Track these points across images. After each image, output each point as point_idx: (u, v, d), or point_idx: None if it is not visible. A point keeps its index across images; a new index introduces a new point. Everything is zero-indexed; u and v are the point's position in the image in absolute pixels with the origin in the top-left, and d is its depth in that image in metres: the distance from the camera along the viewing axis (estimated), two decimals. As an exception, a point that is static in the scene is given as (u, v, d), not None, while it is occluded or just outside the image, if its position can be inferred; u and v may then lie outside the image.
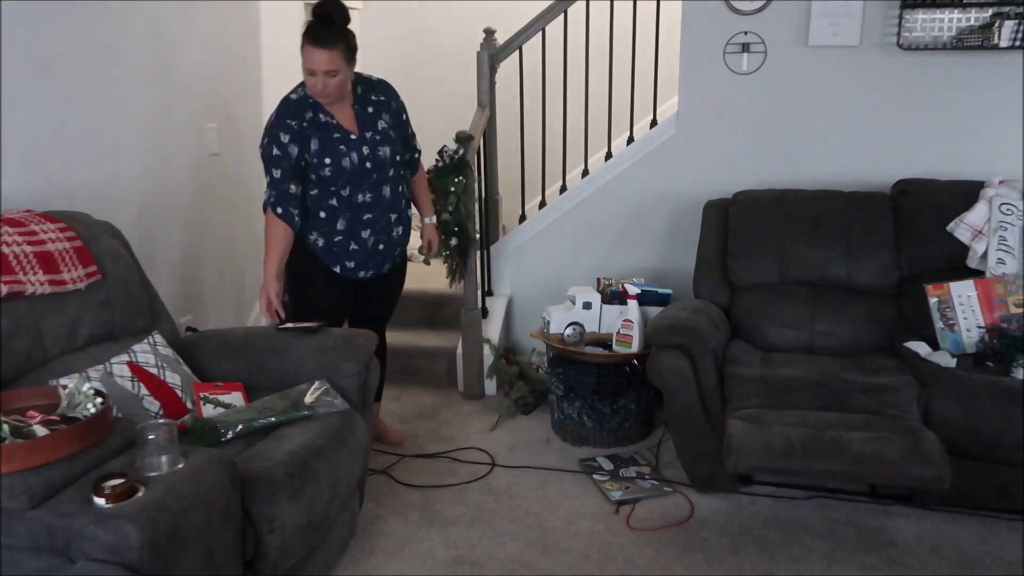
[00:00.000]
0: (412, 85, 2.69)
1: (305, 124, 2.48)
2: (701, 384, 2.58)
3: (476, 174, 3.39)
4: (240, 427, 2.02)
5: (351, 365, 2.31)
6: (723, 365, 2.66)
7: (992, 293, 2.70)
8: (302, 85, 2.51)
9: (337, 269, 2.64)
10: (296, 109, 2.49)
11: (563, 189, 3.81)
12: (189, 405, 2.13)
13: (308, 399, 2.17)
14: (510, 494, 2.70)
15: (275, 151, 2.47)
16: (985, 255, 2.82)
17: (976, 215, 2.86)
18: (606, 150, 3.74)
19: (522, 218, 3.89)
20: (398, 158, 2.65)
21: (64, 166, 2.48)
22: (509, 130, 3.86)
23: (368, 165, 2.55)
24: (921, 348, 2.68)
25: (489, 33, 3.55)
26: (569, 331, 3.06)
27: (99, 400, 1.71)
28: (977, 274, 2.81)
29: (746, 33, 3.32)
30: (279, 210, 2.49)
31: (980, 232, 2.84)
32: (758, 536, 2.43)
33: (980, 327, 2.68)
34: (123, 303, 2.23)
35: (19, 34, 2.27)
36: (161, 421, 1.64)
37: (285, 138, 2.46)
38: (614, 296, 3.18)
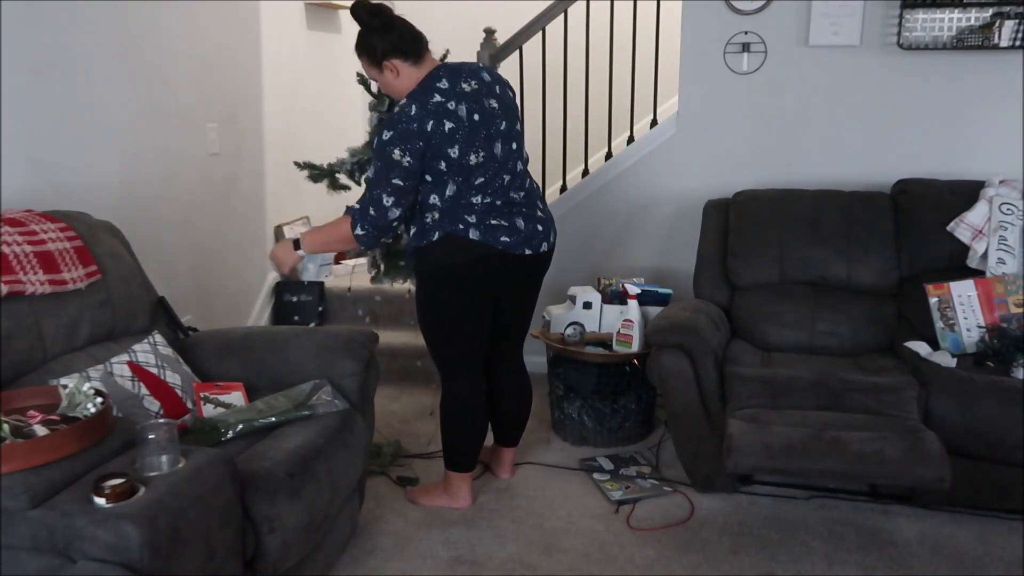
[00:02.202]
0: (412, 85, 2.68)
1: None
2: (701, 384, 2.58)
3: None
4: (240, 427, 2.03)
5: (351, 365, 2.31)
6: (723, 365, 2.66)
7: (992, 293, 2.70)
8: None
9: None
10: None
11: (563, 189, 3.81)
12: (189, 405, 2.13)
13: (308, 399, 2.17)
14: (510, 494, 2.69)
15: None
16: (985, 255, 2.82)
17: (976, 215, 2.86)
18: (606, 150, 3.74)
19: (522, 218, 3.88)
20: None
21: (64, 166, 2.48)
22: (509, 130, 3.86)
23: None
24: (921, 348, 2.68)
25: (489, 33, 3.55)
26: (569, 331, 3.06)
27: (99, 400, 1.72)
28: (977, 274, 2.81)
29: (746, 33, 3.33)
30: None
31: (980, 232, 2.84)
32: (758, 536, 2.43)
33: (980, 327, 2.68)
34: (123, 303, 2.23)
35: (19, 34, 2.27)
36: (161, 421, 1.64)
37: None
38: (614, 296, 3.18)
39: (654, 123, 3.66)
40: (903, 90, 3.24)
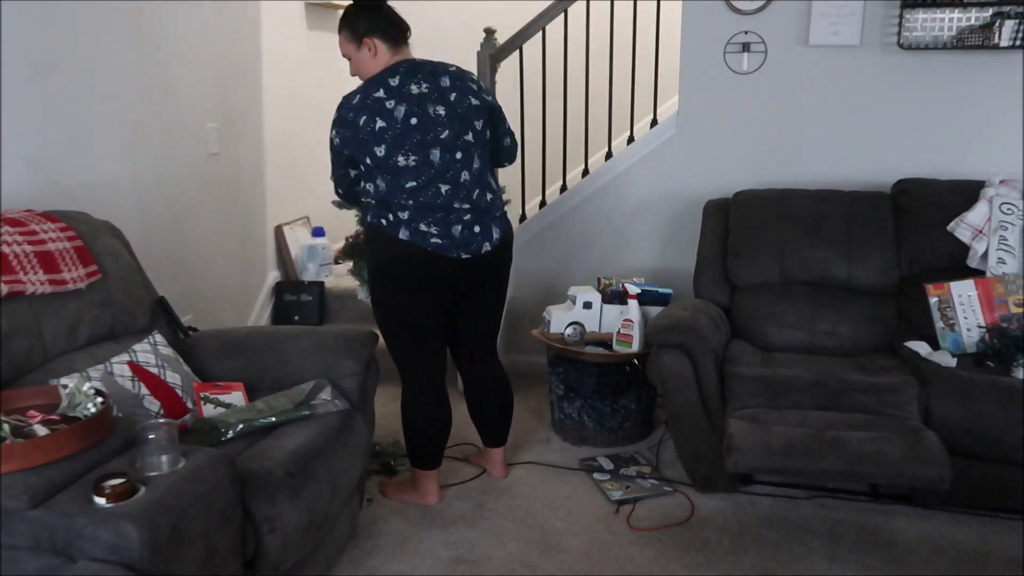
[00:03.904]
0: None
1: None
2: (701, 384, 2.58)
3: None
4: (241, 427, 2.02)
5: (351, 365, 2.31)
6: (723, 365, 2.66)
7: (992, 293, 2.70)
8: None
9: None
10: None
11: (563, 189, 3.81)
12: (189, 405, 2.13)
13: (308, 399, 2.17)
14: (510, 494, 2.69)
15: None
16: (985, 255, 2.82)
17: (976, 215, 2.86)
18: (606, 150, 3.74)
19: (522, 218, 3.89)
20: None
21: (64, 166, 2.48)
22: (509, 130, 3.86)
23: None
24: (921, 348, 2.68)
25: (489, 33, 3.55)
26: (569, 331, 3.06)
27: (99, 400, 1.71)
28: (977, 274, 2.81)
29: (746, 33, 3.33)
30: None
31: (980, 232, 2.84)
32: (758, 536, 2.43)
33: (980, 327, 2.68)
34: (123, 303, 2.23)
35: (19, 34, 2.27)
36: (161, 421, 1.64)
37: None
38: (614, 296, 3.18)
39: (654, 123, 3.66)
40: (903, 90, 3.24)
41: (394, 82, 2.29)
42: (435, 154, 2.30)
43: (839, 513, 2.55)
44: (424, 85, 2.30)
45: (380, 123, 2.25)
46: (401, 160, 2.27)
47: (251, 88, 3.57)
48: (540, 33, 3.54)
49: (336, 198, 2.64)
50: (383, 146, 2.26)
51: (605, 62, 3.64)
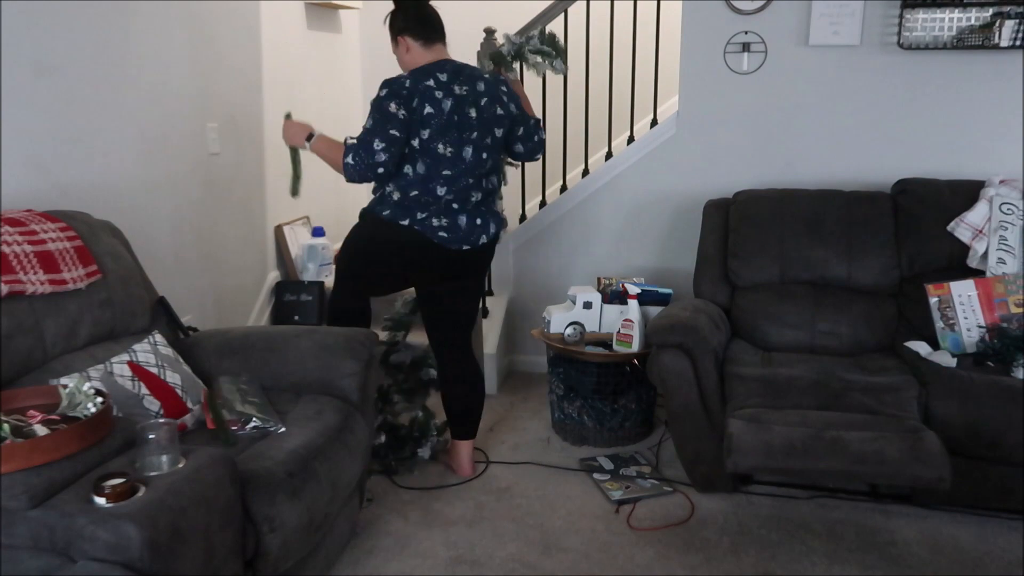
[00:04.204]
0: (412, 85, 2.69)
1: None
2: (701, 384, 2.58)
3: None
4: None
5: (351, 365, 2.31)
6: (723, 365, 2.66)
7: (992, 293, 2.70)
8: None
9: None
10: None
11: (563, 189, 3.81)
12: (189, 405, 2.13)
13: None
14: (510, 494, 2.70)
15: None
16: (985, 255, 2.82)
17: (976, 215, 2.86)
18: (606, 150, 3.74)
19: (522, 218, 3.89)
20: None
21: (64, 166, 2.48)
22: (509, 130, 3.86)
23: None
24: (921, 348, 2.68)
25: (489, 33, 3.55)
26: (569, 331, 3.06)
27: (99, 400, 1.72)
28: (978, 274, 2.81)
29: (746, 33, 3.33)
30: None
31: (980, 232, 2.84)
32: (758, 536, 2.43)
33: (980, 327, 2.68)
34: (124, 303, 2.23)
35: (19, 34, 2.27)
36: (161, 421, 1.65)
37: None
38: (614, 296, 3.18)
39: (654, 123, 3.66)
40: (903, 90, 3.24)
41: (443, 77, 2.41)
42: (467, 152, 2.45)
43: (839, 513, 2.55)
44: (464, 87, 2.44)
45: (428, 109, 2.37)
46: (440, 148, 2.40)
47: (251, 88, 3.57)
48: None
49: (364, 171, 2.38)
50: (427, 131, 2.38)
51: (605, 62, 3.64)
